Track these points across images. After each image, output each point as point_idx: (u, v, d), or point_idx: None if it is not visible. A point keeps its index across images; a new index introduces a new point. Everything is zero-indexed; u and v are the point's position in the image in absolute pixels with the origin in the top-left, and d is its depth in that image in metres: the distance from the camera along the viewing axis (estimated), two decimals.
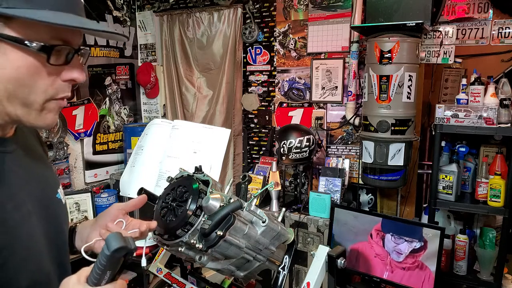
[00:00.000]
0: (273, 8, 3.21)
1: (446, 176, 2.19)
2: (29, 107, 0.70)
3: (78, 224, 1.04)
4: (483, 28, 2.49)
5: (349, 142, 2.98)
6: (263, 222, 0.96)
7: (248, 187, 1.30)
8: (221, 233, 0.87)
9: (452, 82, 3.34)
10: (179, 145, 1.54)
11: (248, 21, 3.29)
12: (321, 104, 3.07)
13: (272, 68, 3.28)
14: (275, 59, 3.25)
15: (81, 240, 0.97)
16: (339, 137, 3.01)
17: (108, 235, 0.65)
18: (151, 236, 1.01)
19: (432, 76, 2.89)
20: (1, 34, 0.64)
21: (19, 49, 0.66)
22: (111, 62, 3.64)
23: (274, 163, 2.74)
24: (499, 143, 2.25)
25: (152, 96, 3.89)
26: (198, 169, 1.03)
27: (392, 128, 2.29)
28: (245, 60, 3.40)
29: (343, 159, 2.87)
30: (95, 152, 3.54)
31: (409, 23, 2.12)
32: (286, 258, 1.08)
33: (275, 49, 3.24)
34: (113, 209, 0.98)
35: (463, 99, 2.23)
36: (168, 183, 1.05)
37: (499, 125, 2.06)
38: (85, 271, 0.69)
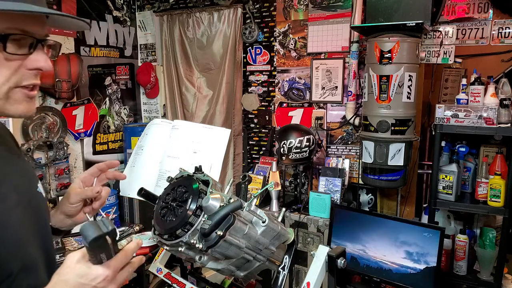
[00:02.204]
0: (273, 8, 3.21)
1: (446, 176, 2.19)
2: None
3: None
4: (483, 28, 2.49)
5: (349, 142, 2.98)
6: (263, 222, 0.96)
7: (248, 187, 1.29)
8: (221, 233, 0.87)
9: (452, 82, 3.34)
10: (179, 145, 1.53)
11: (248, 21, 3.29)
12: (321, 104, 3.07)
13: (272, 68, 3.28)
14: (275, 59, 3.25)
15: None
16: (339, 137, 3.01)
17: (81, 227, 0.66)
18: (151, 236, 1.01)
19: (432, 76, 2.89)
20: None
21: None
22: (111, 62, 3.64)
23: (274, 163, 2.74)
24: (499, 143, 2.25)
25: (152, 96, 3.89)
26: (198, 169, 1.03)
27: (392, 128, 2.29)
28: (245, 60, 3.40)
29: (343, 159, 2.87)
30: (95, 152, 3.54)
31: (409, 23, 2.12)
32: (286, 258, 1.08)
33: (275, 49, 3.24)
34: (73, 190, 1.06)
35: (463, 99, 2.23)
36: (168, 183, 1.05)
37: (499, 125, 2.06)
38: None
